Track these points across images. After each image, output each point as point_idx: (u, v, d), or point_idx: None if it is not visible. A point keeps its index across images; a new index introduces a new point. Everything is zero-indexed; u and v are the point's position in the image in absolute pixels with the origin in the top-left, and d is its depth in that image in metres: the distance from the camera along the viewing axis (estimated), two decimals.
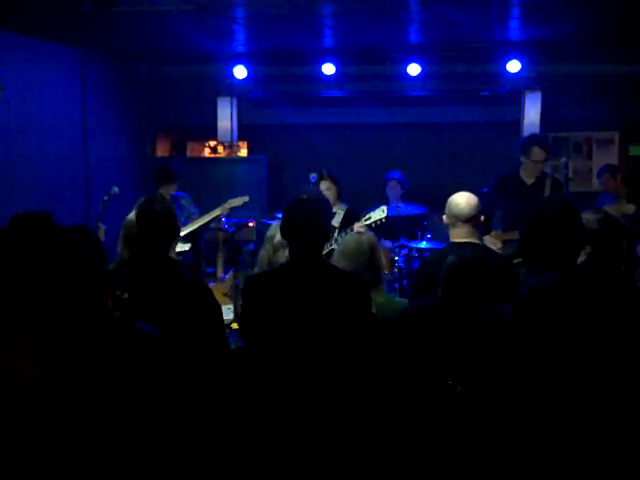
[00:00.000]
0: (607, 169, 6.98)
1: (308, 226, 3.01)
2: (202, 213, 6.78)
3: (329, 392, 2.86)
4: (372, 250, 3.69)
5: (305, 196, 3.09)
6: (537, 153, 5.71)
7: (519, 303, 2.36)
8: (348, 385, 2.88)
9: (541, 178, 5.77)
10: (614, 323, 2.30)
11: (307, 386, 2.88)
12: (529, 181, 5.78)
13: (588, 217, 3.19)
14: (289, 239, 3.08)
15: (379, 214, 5.55)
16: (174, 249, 3.63)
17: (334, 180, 6.10)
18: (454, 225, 3.78)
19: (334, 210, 6.05)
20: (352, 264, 3.58)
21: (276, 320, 2.98)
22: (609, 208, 6.51)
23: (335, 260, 3.68)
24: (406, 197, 7.04)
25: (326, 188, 6.05)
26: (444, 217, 3.83)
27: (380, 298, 3.61)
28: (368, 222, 5.52)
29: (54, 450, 1.98)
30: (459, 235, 3.76)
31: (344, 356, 2.90)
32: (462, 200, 3.77)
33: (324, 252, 5.65)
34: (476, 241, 3.80)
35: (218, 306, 3.36)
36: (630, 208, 6.52)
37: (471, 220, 3.75)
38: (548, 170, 6.90)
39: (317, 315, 2.95)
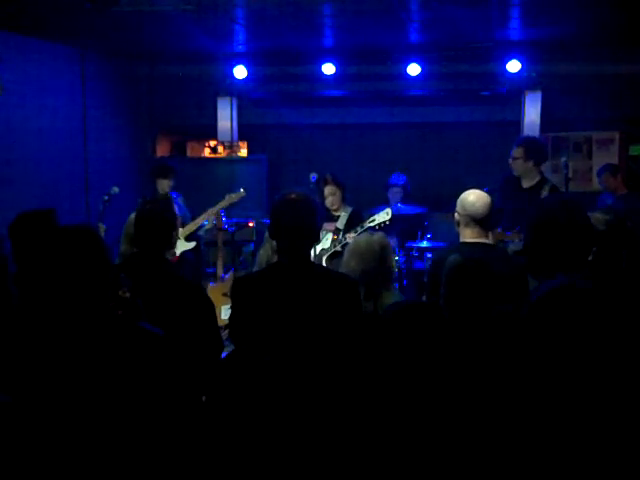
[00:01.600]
0: (608, 168, 6.98)
1: (296, 226, 3.00)
2: (201, 213, 6.80)
3: (318, 392, 2.86)
4: (383, 250, 3.66)
5: (293, 196, 3.08)
6: (513, 150, 5.74)
7: (533, 307, 2.32)
8: (337, 384, 2.87)
9: (540, 183, 5.76)
10: (628, 329, 2.28)
11: (295, 386, 2.87)
12: (526, 184, 5.77)
13: (598, 217, 3.18)
14: (277, 239, 3.08)
15: (383, 217, 5.59)
16: (174, 248, 3.63)
17: (338, 184, 6.11)
18: (467, 225, 3.67)
19: (339, 213, 6.07)
20: (362, 264, 3.56)
21: (264, 320, 2.97)
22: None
23: (345, 260, 3.66)
24: (407, 198, 7.04)
25: (331, 193, 6.05)
26: (455, 215, 3.71)
27: (390, 298, 3.59)
28: (372, 224, 5.57)
29: (55, 444, 1.98)
30: (471, 235, 3.66)
31: (332, 355, 2.89)
32: (477, 199, 3.66)
33: (329, 254, 5.71)
34: (487, 241, 3.71)
35: (211, 304, 3.37)
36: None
37: (485, 219, 3.66)
38: (548, 170, 6.90)
39: (305, 315, 2.94)
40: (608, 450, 2.19)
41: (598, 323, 2.26)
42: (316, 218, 3.14)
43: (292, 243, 3.01)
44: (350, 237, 5.60)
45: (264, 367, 2.92)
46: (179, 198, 6.88)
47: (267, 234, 4.38)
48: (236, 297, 3.09)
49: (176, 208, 3.52)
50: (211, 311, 3.35)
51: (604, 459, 2.19)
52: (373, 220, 5.60)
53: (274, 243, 4.11)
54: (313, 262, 3.14)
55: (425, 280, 4.14)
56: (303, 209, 3.05)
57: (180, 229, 6.51)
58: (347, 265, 3.60)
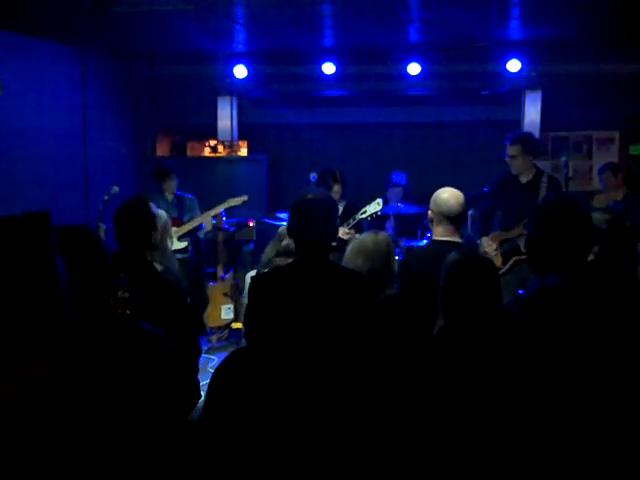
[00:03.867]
0: (609, 167, 6.96)
1: (314, 226, 3.01)
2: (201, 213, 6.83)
3: (334, 390, 2.86)
4: (389, 249, 3.68)
5: (311, 195, 3.09)
6: (508, 150, 5.74)
7: (523, 305, 2.33)
8: (353, 383, 2.88)
9: (537, 176, 5.76)
10: (620, 329, 2.29)
11: (312, 385, 2.88)
12: (524, 179, 5.78)
13: (597, 217, 3.19)
14: (295, 239, 3.08)
15: (374, 207, 5.61)
16: (157, 249, 3.60)
17: (343, 182, 6.18)
18: (440, 222, 3.73)
19: None
20: (370, 262, 3.56)
21: (281, 319, 2.97)
22: (600, 197, 6.54)
23: (350, 258, 3.65)
24: (407, 197, 7.05)
25: (336, 191, 6.11)
26: (429, 213, 3.78)
27: None
28: (364, 215, 5.59)
29: (55, 449, 1.98)
30: (443, 233, 3.72)
31: (350, 355, 2.90)
32: (451, 197, 3.72)
33: None
34: (458, 240, 3.75)
35: (188, 306, 3.37)
36: (618, 195, 6.54)
37: (458, 218, 3.72)
38: (548, 169, 6.90)
39: (323, 314, 2.94)
40: (600, 449, 2.19)
41: (587, 323, 2.26)
42: (334, 217, 3.15)
43: (310, 242, 3.02)
44: (343, 231, 5.62)
45: (278, 365, 2.92)
46: (188, 199, 6.88)
47: (278, 233, 4.38)
48: (254, 295, 3.08)
49: (154, 209, 3.48)
50: (189, 313, 3.35)
51: (596, 458, 2.19)
52: (365, 212, 5.63)
53: (282, 246, 4.12)
54: (331, 261, 3.14)
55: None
56: (321, 208, 3.05)
57: (175, 228, 6.52)
58: (352, 263, 3.59)
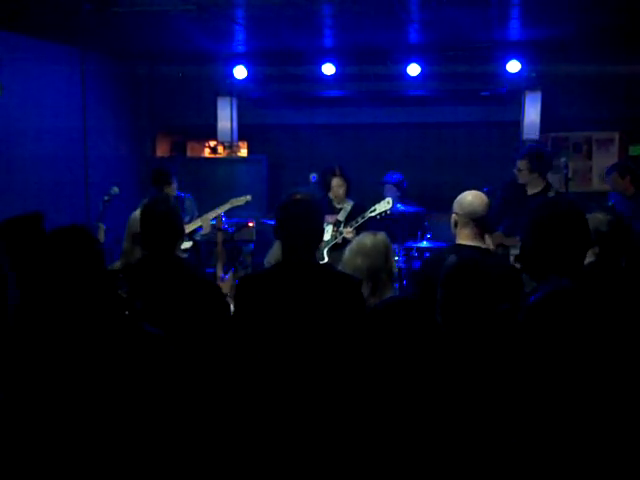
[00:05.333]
0: (616, 168, 6.90)
1: (300, 227, 3.02)
2: (201, 214, 6.81)
3: (322, 391, 2.86)
4: (387, 250, 3.67)
5: (297, 196, 3.12)
6: (517, 162, 5.85)
7: (531, 309, 2.32)
8: (341, 384, 2.88)
9: (544, 190, 5.79)
10: (627, 330, 2.29)
11: (300, 386, 2.88)
12: (531, 191, 5.81)
13: (599, 217, 3.19)
14: (282, 239, 3.09)
15: (384, 206, 5.66)
16: (179, 247, 3.65)
17: (346, 178, 6.16)
18: (465, 225, 3.63)
19: (340, 205, 6.14)
20: (369, 261, 3.56)
21: (268, 320, 2.98)
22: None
23: (349, 258, 3.65)
24: (405, 197, 7.04)
25: (338, 185, 6.10)
26: (453, 216, 3.69)
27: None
28: (374, 214, 5.64)
29: (58, 445, 1.98)
30: (467, 237, 3.63)
31: (337, 355, 2.90)
32: (475, 199, 3.65)
33: (329, 246, 5.77)
34: (482, 245, 3.68)
35: (226, 303, 3.40)
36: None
37: (483, 219, 3.64)
38: (549, 175, 6.89)
39: (309, 315, 2.95)
40: (607, 453, 2.19)
41: (597, 326, 2.26)
42: (321, 218, 3.17)
43: (297, 243, 3.03)
44: (348, 232, 5.64)
45: (268, 366, 2.92)
46: (188, 200, 6.88)
47: None
48: (240, 296, 3.09)
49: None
50: (227, 309, 3.38)
51: (602, 461, 2.19)
52: (374, 210, 5.67)
53: None
54: (318, 262, 3.15)
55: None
56: (307, 210, 3.07)
57: None
58: (352, 263, 3.60)
